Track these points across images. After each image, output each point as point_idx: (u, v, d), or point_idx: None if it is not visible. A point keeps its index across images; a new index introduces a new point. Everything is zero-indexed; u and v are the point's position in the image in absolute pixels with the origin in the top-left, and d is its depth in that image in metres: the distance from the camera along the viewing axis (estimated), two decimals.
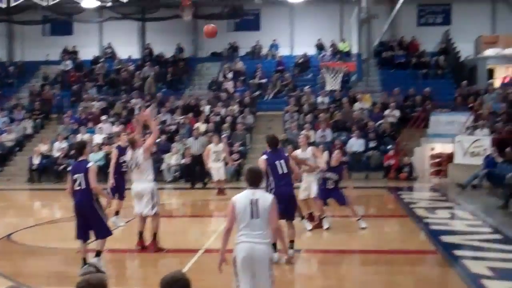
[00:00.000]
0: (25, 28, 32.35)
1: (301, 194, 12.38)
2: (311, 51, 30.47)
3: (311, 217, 12.70)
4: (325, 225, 12.49)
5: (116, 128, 24.34)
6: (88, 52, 32.13)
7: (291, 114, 24.51)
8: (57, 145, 23.43)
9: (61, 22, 31.12)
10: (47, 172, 23.11)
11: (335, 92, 24.93)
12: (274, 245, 8.47)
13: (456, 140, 20.21)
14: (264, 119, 26.00)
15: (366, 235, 12.63)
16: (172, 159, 21.97)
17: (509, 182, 14.76)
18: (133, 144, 10.95)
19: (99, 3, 27.35)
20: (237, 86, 28.12)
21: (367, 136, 22.55)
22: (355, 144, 22.20)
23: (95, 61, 31.33)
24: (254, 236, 6.09)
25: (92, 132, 24.24)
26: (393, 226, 13.81)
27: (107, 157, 22.11)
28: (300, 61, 29.72)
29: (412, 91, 25.21)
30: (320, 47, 30.52)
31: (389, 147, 22.10)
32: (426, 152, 21.98)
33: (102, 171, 21.64)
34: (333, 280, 9.25)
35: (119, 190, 13.42)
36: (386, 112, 23.86)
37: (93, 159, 21.93)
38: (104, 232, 9.32)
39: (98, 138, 23.46)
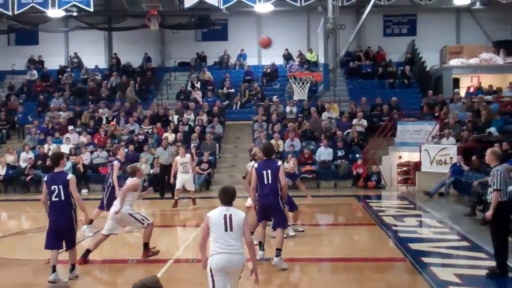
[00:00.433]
0: None
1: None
2: (279, 61, 30.63)
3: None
4: (290, 233, 12.44)
5: (83, 138, 24.10)
6: (54, 61, 31.80)
7: (259, 124, 24.56)
8: (23, 155, 23.07)
9: (27, 31, 30.72)
10: (13, 182, 22.73)
11: (303, 101, 25.05)
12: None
13: (422, 148, 20.44)
14: (233, 129, 26.02)
15: (335, 243, 12.70)
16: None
17: (475, 190, 14.96)
18: (133, 173, 10.99)
19: (64, 13, 27.09)
20: (206, 95, 28.09)
21: (336, 145, 22.70)
22: (324, 153, 22.32)
23: (62, 70, 31.00)
24: (229, 248, 6.59)
25: (59, 142, 23.94)
26: (362, 234, 13.88)
27: (74, 167, 21.92)
28: (268, 71, 29.85)
29: (379, 100, 25.50)
30: (287, 57, 30.69)
31: (357, 156, 22.26)
32: (393, 160, 22.18)
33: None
34: None
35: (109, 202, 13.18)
36: (354, 121, 24.08)
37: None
38: (73, 243, 9.39)
39: (65, 148, 23.14)
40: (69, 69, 31.10)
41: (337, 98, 26.78)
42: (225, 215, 6.70)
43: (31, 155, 23.03)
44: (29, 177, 22.08)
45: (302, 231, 12.88)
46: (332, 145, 22.70)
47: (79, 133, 24.59)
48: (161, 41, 32.34)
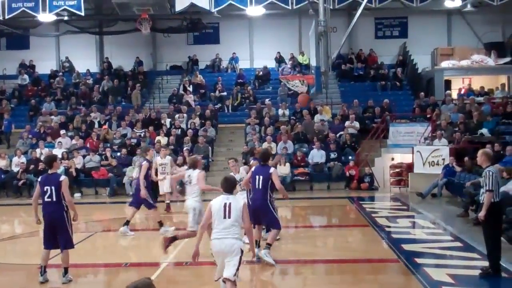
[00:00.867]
0: None
1: None
2: (271, 64, 30.66)
3: None
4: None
5: (75, 142, 24.03)
6: (45, 66, 31.71)
7: (252, 127, 24.57)
8: (15, 160, 22.97)
9: (18, 36, 30.59)
10: (6, 187, 22.63)
11: (295, 104, 25.08)
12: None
13: (415, 150, 20.50)
14: (226, 132, 26.03)
15: (329, 244, 12.72)
16: (133, 172, 21.71)
17: (468, 190, 15.02)
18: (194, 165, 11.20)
19: (55, 17, 27.01)
20: (197, 99, 28.10)
21: (328, 147, 22.73)
22: (316, 155, 22.34)
23: (53, 75, 30.91)
24: (224, 233, 7.30)
25: (51, 146, 23.86)
26: (355, 235, 13.89)
27: (67, 171, 21.84)
28: (260, 73, 29.87)
29: (371, 102, 25.56)
30: (279, 60, 30.72)
31: (350, 158, 22.31)
32: (386, 162, 22.24)
33: None
34: None
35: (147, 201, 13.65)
36: (346, 123, 24.12)
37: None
38: (68, 244, 9.42)
39: (57, 153, 23.02)
40: (60, 73, 30.99)
41: (329, 100, 26.85)
42: (225, 204, 7.37)
43: (23, 159, 22.93)
44: (21, 182, 21.98)
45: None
46: (325, 147, 22.73)
47: (71, 137, 24.52)
48: (152, 44, 32.31)
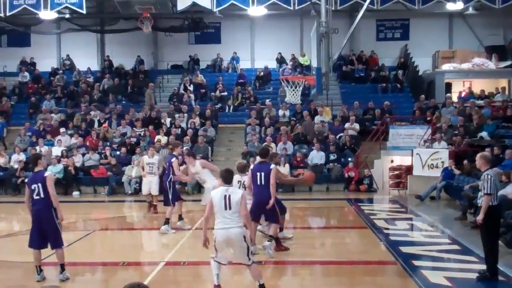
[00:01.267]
0: None
1: None
2: (272, 64, 30.65)
3: None
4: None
5: (75, 140, 24.01)
6: (46, 63, 31.68)
7: (252, 127, 24.57)
8: (14, 157, 22.97)
9: (19, 33, 30.60)
10: (5, 184, 22.63)
11: (296, 105, 25.07)
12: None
13: (414, 152, 20.49)
14: (226, 132, 26.02)
15: (327, 246, 12.72)
16: (133, 172, 21.74)
17: (466, 194, 15.02)
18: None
19: (57, 15, 27.01)
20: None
21: (328, 148, 22.72)
22: (316, 156, 22.34)
23: (54, 73, 30.91)
24: (227, 223, 7.92)
25: (51, 144, 23.85)
26: (353, 237, 13.88)
27: (66, 169, 21.88)
28: (261, 74, 29.86)
29: (371, 104, 25.55)
30: (280, 60, 30.71)
31: (349, 159, 22.31)
32: (385, 164, 22.22)
33: (61, 183, 21.62)
34: None
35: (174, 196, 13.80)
36: (346, 125, 24.12)
37: (52, 171, 21.66)
38: (58, 242, 9.45)
39: (57, 151, 23.09)
40: (61, 71, 30.98)
41: (330, 101, 26.84)
42: (225, 196, 7.95)
43: (22, 157, 22.91)
44: (20, 179, 21.96)
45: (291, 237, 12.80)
46: (325, 149, 22.73)
47: (71, 135, 24.50)
48: (154, 43, 32.30)
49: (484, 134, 20.86)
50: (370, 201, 19.81)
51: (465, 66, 27.89)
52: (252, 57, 32.00)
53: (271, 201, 10.84)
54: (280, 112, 25.62)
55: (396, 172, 21.44)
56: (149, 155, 17.06)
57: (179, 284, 9.56)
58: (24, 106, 28.51)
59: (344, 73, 29.77)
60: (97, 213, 17.35)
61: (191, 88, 28.56)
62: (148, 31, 26.97)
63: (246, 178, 11.26)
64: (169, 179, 13.70)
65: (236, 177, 11.04)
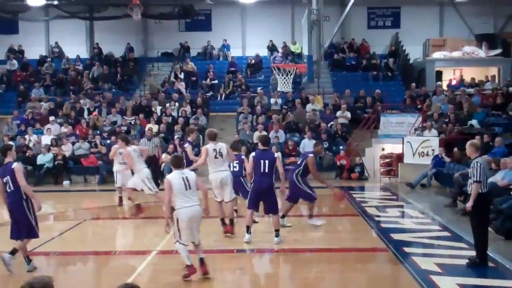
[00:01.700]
0: None
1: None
2: (263, 52, 30.55)
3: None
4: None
5: (64, 129, 23.86)
6: (34, 51, 31.38)
7: (244, 115, 24.52)
8: None
9: (6, 20, 30.26)
10: None
11: (288, 93, 25.05)
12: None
13: (405, 140, 20.54)
14: (217, 120, 25.92)
15: (319, 234, 12.73)
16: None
17: (456, 181, 15.07)
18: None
19: (45, 1, 26.75)
20: (189, 86, 28.01)
21: (320, 137, 22.71)
22: (308, 145, 22.27)
23: (42, 60, 30.66)
24: (190, 202, 8.58)
25: (40, 133, 23.70)
26: (345, 225, 13.94)
27: (55, 158, 21.76)
28: (252, 62, 29.78)
29: (362, 92, 25.53)
30: (272, 48, 30.62)
31: (340, 147, 22.33)
32: (376, 152, 22.26)
33: (51, 173, 21.54)
34: (286, 279, 9.28)
35: None
36: (338, 113, 24.12)
37: (42, 161, 21.64)
38: (32, 233, 9.41)
39: (46, 139, 22.95)
40: (49, 59, 30.74)
41: (321, 90, 26.82)
42: (183, 178, 8.61)
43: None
44: None
45: (290, 226, 12.83)
46: (316, 137, 22.68)
47: (61, 124, 24.34)
48: (143, 31, 32.11)
49: (474, 122, 20.92)
50: (362, 189, 19.87)
51: (456, 54, 27.96)
52: (243, 45, 31.88)
53: (283, 187, 11.57)
54: (272, 100, 25.56)
55: (387, 160, 21.47)
56: (119, 145, 15.54)
57: (171, 273, 9.54)
58: (13, 94, 28.26)
59: (335, 61, 29.74)
60: (88, 202, 17.30)
61: (181, 76, 28.45)
62: (137, 18, 26.75)
63: (221, 146, 11.61)
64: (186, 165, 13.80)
65: (211, 146, 11.53)
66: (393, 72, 28.63)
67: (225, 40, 31.21)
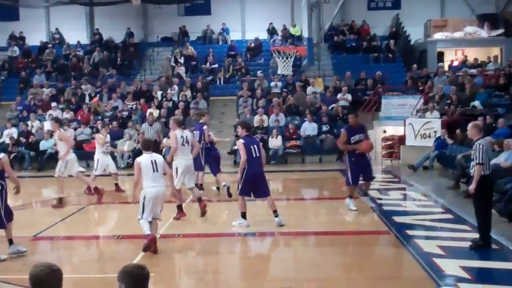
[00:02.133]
0: None
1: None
2: (263, 35, 30.40)
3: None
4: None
5: (66, 115, 23.86)
6: (35, 37, 31.30)
7: (244, 99, 24.47)
8: (6, 132, 22.86)
9: (7, 7, 30.17)
10: None
11: (288, 76, 24.96)
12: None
13: (407, 122, 20.48)
14: (217, 104, 25.90)
15: (320, 217, 12.76)
16: (125, 146, 21.68)
17: (459, 163, 15.05)
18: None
19: None
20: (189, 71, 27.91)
21: (320, 120, 22.68)
22: (308, 128, 22.29)
23: (43, 47, 30.60)
24: (156, 183, 9.35)
25: (42, 119, 23.73)
26: (347, 208, 13.87)
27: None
28: (252, 45, 29.66)
29: (363, 74, 25.43)
30: (272, 31, 30.47)
31: (342, 130, 22.22)
32: (378, 134, 22.21)
33: (54, 158, 21.54)
34: (288, 262, 9.30)
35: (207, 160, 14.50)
36: (339, 95, 24.03)
37: (45, 146, 21.71)
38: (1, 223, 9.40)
39: (48, 125, 22.93)
40: (50, 45, 30.67)
41: (322, 72, 26.71)
42: (151, 161, 9.37)
43: (14, 131, 22.81)
44: (13, 155, 21.85)
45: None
46: (317, 120, 22.68)
47: (62, 110, 24.36)
48: (143, 16, 31.98)
49: (476, 103, 20.84)
50: None
51: (457, 35, 27.78)
52: (242, 29, 31.72)
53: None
54: (272, 84, 25.49)
55: (389, 142, 21.44)
56: (102, 133, 16.10)
57: (173, 256, 9.58)
58: (15, 80, 28.24)
59: (335, 44, 29.58)
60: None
61: (181, 60, 28.35)
62: (137, 3, 26.62)
63: (187, 133, 12.14)
64: (201, 145, 14.01)
65: (178, 133, 11.81)
66: (394, 54, 28.46)
67: (225, 24, 31.07)
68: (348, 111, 23.12)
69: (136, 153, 21.14)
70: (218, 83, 27.60)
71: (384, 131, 22.32)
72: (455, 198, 13.79)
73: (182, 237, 10.71)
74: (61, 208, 13.67)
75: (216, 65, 28.18)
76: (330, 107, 23.55)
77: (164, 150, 20.11)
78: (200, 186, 14.24)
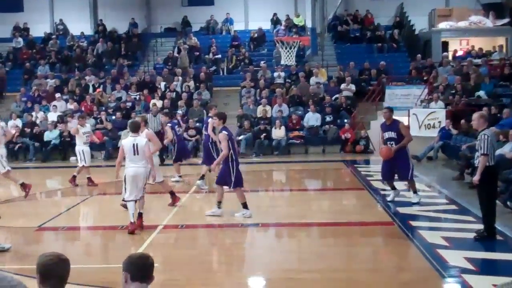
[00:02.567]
0: None
1: None
2: (266, 25, 30.29)
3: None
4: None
5: (70, 106, 23.88)
6: (39, 28, 31.29)
7: (247, 89, 24.42)
8: (11, 123, 22.84)
9: None
10: None
11: (291, 66, 24.89)
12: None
13: (411, 113, 20.41)
14: (221, 95, 25.86)
15: (324, 208, 12.75)
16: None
17: (463, 153, 15.01)
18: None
19: None
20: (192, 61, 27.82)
21: (324, 110, 22.63)
22: (312, 118, 22.26)
23: (47, 38, 30.58)
24: (136, 164, 10.17)
25: (46, 109, 23.76)
26: (350, 198, 13.91)
27: (62, 135, 21.80)
28: (255, 36, 29.56)
29: (367, 64, 25.34)
30: (275, 21, 30.36)
31: (345, 121, 22.22)
32: None
33: (58, 149, 21.64)
34: (292, 253, 9.30)
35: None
36: (342, 86, 23.96)
37: (49, 137, 21.75)
38: None
39: (52, 116, 23.00)
40: (54, 36, 30.65)
41: (325, 62, 26.62)
42: (133, 144, 10.14)
43: (18, 122, 22.84)
44: (17, 145, 21.90)
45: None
46: (320, 110, 22.63)
47: (66, 101, 24.36)
48: (146, 6, 31.94)
49: (481, 93, 20.76)
50: (367, 162, 19.82)
51: (462, 24, 27.63)
52: (245, 19, 31.64)
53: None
54: (275, 74, 25.42)
55: None
56: (80, 123, 15.90)
57: (176, 247, 9.59)
58: (19, 72, 28.27)
59: (339, 33, 29.46)
60: (94, 178, 17.22)
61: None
62: None
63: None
64: (210, 140, 14.16)
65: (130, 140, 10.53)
66: (398, 44, 28.33)
67: (228, 14, 30.98)
68: (352, 102, 23.27)
69: None
70: (221, 74, 27.54)
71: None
72: (460, 189, 13.77)
73: (186, 228, 10.72)
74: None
75: (220, 56, 28.11)
76: (333, 98, 23.50)
77: (166, 140, 20.18)
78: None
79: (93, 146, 21.95)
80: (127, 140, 10.32)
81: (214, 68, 27.53)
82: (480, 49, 26.35)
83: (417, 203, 11.93)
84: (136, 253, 4.28)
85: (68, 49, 29.47)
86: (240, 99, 24.62)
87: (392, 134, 12.20)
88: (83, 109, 23.77)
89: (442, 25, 27.78)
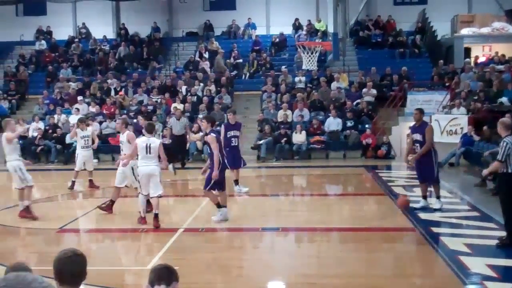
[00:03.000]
0: None
1: None
2: (287, 30, 30.32)
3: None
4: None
5: (92, 109, 24.10)
6: (62, 32, 31.65)
7: (268, 94, 24.44)
8: (33, 125, 23.12)
9: (35, 2, 30.55)
10: (24, 153, 22.67)
11: (312, 71, 24.87)
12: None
13: (433, 119, 20.27)
14: (242, 99, 25.91)
15: (344, 213, 12.70)
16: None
17: (486, 160, 14.86)
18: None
19: None
20: (213, 66, 27.91)
21: (345, 115, 22.57)
22: (333, 123, 22.21)
23: (70, 41, 30.89)
24: (149, 163, 10.81)
25: (68, 112, 23.97)
26: (371, 204, 13.86)
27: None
28: (277, 40, 29.60)
29: (389, 70, 25.25)
30: (297, 26, 30.37)
31: (366, 126, 22.14)
32: (403, 131, 22.01)
33: None
34: (312, 258, 9.27)
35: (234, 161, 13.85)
36: (364, 91, 23.89)
37: (70, 140, 21.94)
38: None
39: (74, 119, 23.14)
40: (77, 40, 30.96)
41: (347, 68, 26.58)
42: (147, 144, 10.76)
43: (41, 125, 23.08)
44: (39, 148, 22.12)
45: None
46: (341, 115, 22.58)
47: (88, 104, 24.58)
48: (168, 10, 32.12)
49: (504, 99, 20.58)
50: (388, 168, 19.73)
51: (485, 30, 27.42)
52: (267, 24, 31.70)
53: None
54: (296, 79, 25.41)
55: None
56: (81, 128, 15.75)
57: (197, 250, 9.61)
58: (42, 74, 28.59)
59: (360, 39, 29.41)
60: (115, 180, 17.49)
61: (206, 55, 28.41)
62: None
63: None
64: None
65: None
66: (420, 49, 28.20)
67: (250, 19, 31.06)
68: (374, 107, 23.18)
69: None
70: (242, 78, 27.60)
71: (410, 127, 22.10)
72: (482, 195, 13.66)
73: (206, 231, 10.75)
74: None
75: (241, 60, 28.18)
76: (355, 103, 23.43)
77: (188, 144, 20.30)
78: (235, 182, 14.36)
79: (115, 149, 22.31)
80: (141, 140, 10.90)
81: (235, 72, 27.59)
82: (503, 55, 26.11)
83: (439, 209, 11.85)
84: (160, 265, 4.28)
85: (90, 53, 29.76)
86: (261, 103, 24.64)
87: (418, 137, 11.96)
88: (105, 112, 23.99)
89: (465, 31, 27.60)
